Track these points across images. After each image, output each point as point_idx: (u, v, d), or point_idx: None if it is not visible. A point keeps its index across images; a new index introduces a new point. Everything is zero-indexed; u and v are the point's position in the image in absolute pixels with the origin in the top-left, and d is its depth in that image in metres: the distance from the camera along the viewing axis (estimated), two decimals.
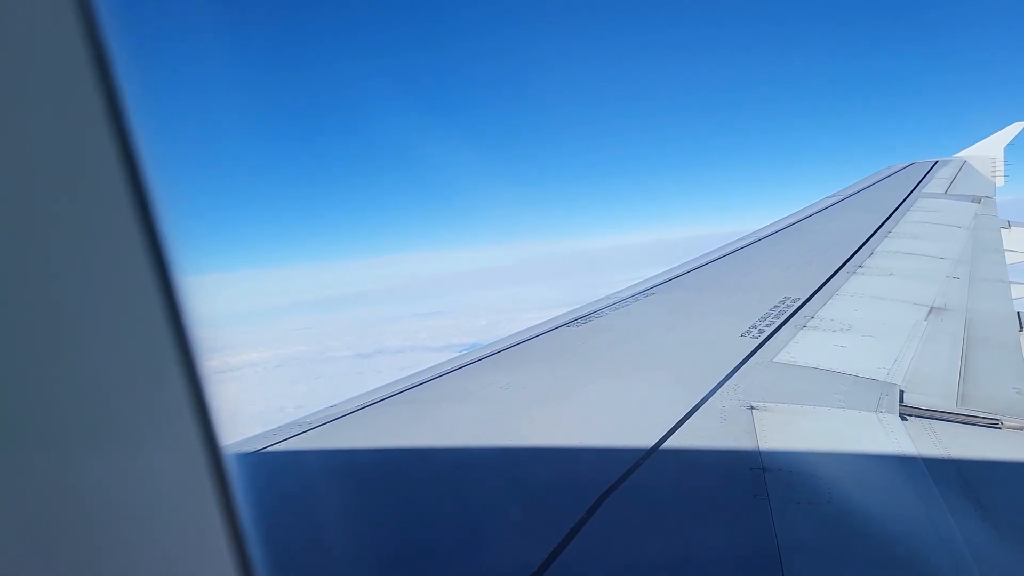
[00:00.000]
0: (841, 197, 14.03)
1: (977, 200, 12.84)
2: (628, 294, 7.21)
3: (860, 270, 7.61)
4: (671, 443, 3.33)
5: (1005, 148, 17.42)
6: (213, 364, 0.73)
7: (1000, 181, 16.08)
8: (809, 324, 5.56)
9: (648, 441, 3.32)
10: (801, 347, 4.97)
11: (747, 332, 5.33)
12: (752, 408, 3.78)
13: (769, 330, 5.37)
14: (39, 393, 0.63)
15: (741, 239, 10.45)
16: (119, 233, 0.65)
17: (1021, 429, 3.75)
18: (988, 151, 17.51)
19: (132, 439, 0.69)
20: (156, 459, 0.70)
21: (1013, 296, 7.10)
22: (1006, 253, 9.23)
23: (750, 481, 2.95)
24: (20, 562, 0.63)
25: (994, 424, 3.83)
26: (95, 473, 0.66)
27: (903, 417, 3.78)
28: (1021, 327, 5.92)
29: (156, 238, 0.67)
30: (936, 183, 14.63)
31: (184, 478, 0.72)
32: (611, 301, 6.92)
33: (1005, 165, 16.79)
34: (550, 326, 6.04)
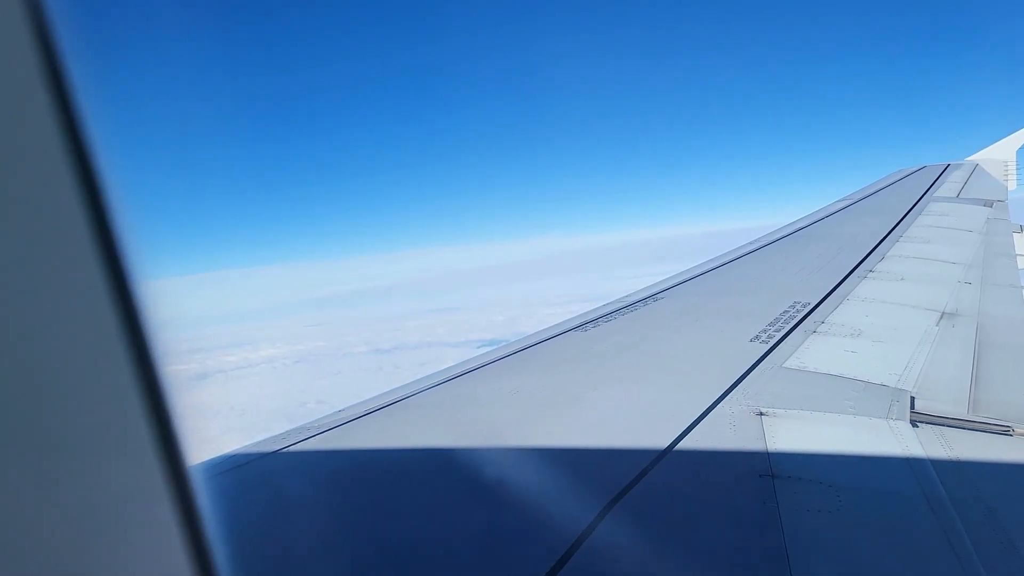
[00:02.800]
0: (852, 201, 13.99)
1: (989, 204, 12.76)
2: (637, 298, 7.22)
3: (871, 275, 7.58)
4: (680, 449, 3.33)
5: (1018, 151, 17.33)
6: (177, 371, 0.70)
7: (1012, 184, 16.00)
8: (819, 329, 5.54)
9: (657, 447, 3.33)
10: (811, 353, 4.96)
11: (757, 337, 5.32)
12: (761, 414, 3.78)
13: (779, 335, 5.36)
14: None
15: (751, 243, 10.43)
16: (73, 237, 0.62)
17: None
18: (1000, 154, 17.41)
19: (87, 451, 0.65)
20: (113, 473, 0.67)
21: None
22: (1018, 257, 9.18)
23: (759, 488, 2.95)
24: None
25: (1006, 431, 3.81)
26: (47, 487, 0.63)
27: (914, 424, 3.77)
28: None
29: (114, 243, 0.64)
30: (948, 187, 14.56)
31: (143, 492, 0.68)
32: (620, 305, 6.93)
33: (1018, 168, 16.71)
34: (560, 330, 6.05)
